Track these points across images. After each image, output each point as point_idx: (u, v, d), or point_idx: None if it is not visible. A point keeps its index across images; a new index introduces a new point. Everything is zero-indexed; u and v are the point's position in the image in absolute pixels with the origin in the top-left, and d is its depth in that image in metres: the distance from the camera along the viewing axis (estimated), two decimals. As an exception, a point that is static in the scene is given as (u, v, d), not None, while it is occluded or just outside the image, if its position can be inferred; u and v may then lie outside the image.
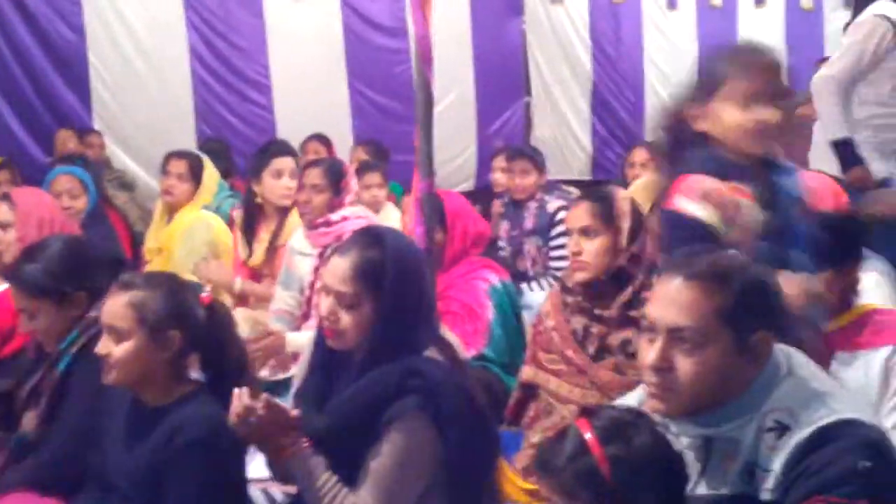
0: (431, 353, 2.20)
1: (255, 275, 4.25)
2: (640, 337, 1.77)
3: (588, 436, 1.64)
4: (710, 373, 1.68)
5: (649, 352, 1.71)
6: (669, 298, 1.70)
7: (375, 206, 4.84)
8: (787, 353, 1.77)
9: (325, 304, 2.22)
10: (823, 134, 4.45)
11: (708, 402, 1.70)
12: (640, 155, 5.72)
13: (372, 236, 2.25)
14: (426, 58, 3.02)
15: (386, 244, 2.20)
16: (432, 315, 2.30)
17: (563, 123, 8.95)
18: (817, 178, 3.47)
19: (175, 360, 2.26)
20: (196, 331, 2.26)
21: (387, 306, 2.15)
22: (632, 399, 1.96)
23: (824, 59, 8.78)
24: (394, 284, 2.15)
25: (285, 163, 4.30)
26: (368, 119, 7.77)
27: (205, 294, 2.34)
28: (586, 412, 1.82)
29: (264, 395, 2.12)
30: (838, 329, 2.71)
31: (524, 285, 4.75)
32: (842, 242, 2.69)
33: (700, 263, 1.73)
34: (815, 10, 9.48)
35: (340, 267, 2.20)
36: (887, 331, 2.69)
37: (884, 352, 2.66)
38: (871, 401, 2.65)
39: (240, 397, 2.08)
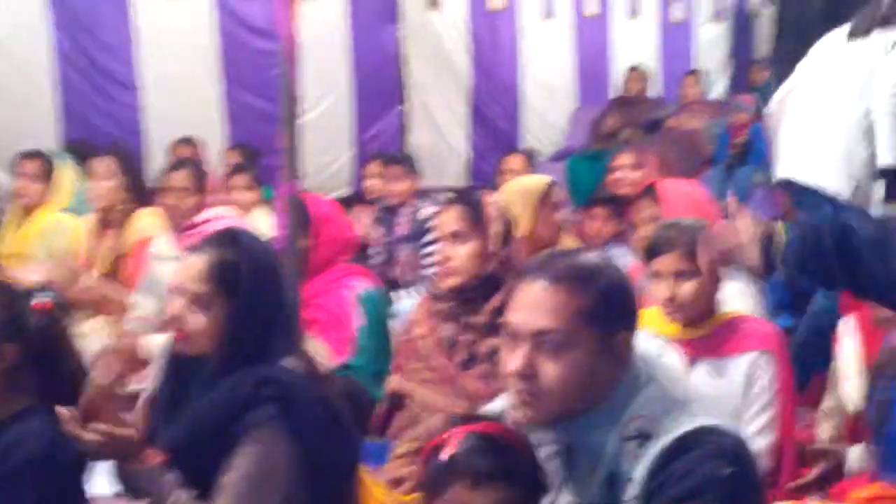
0: (289, 362, 2.11)
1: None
2: (503, 341, 1.71)
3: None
4: (577, 375, 1.64)
5: (513, 359, 1.65)
6: (532, 302, 1.65)
7: (244, 209, 4.72)
8: (645, 359, 1.74)
9: (175, 304, 2.12)
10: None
11: (575, 406, 1.65)
12: (514, 162, 5.73)
13: (227, 236, 2.16)
14: (291, 58, 2.91)
15: (241, 244, 2.11)
16: (291, 323, 2.21)
17: (439, 130, 8.94)
18: (680, 188, 3.51)
19: (10, 373, 2.12)
20: (31, 342, 2.12)
21: (240, 309, 2.06)
22: (495, 408, 1.90)
23: (693, 71, 9.04)
24: (248, 286, 2.06)
25: (97, 164, 4.20)
26: (243, 122, 7.60)
27: (44, 301, 2.19)
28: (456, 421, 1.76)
29: (102, 427, 2.02)
30: (703, 336, 2.73)
31: (397, 292, 4.69)
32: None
33: (560, 265, 1.69)
34: (685, 23, 9.72)
35: (193, 265, 2.11)
36: (750, 338, 2.71)
37: (747, 358, 2.68)
38: (735, 406, 2.68)
39: (68, 423, 1.97)
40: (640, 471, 1.60)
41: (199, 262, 2.10)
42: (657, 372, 1.73)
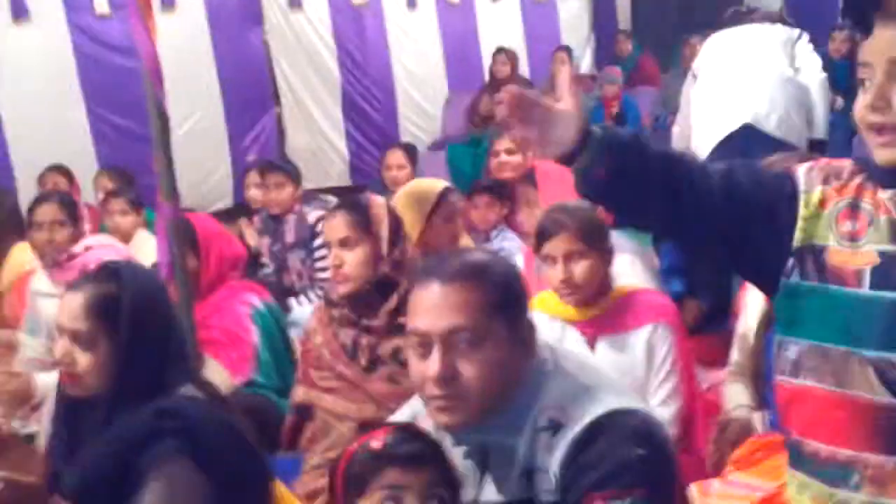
0: (188, 390, 2.06)
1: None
2: (409, 354, 1.69)
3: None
4: (494, 369, 1.63)
5: (429, 364, 1.63)
6: (436, 304, 1.64)
7: (125, 234, 4.59)
8: (551, 348, 1.75)
9: (59, 345, 2.05)
10: None
11: (493, 402, 1.64)
12: (395, 157, 5.71)
13: (106, 270, 2.10)
14: (156, 76, 2.84)
15: (122, 277, 2.05)
16: (183, 350, 2.16)
17: (316, 131, 8.88)
18: (557, 170, 3.54)
19: None
20: None
21: (127, 343, 2.00)
22: (404, 415, 1.89)
23: (562, 48, 9.16)
24: (132, 319, 2.00)
25: None
26: (112, 143, 7.42)
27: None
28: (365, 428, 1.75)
29: (2, 474, 1.93)
30: (600, 314, 2.76)
31: (292, 300, 4.63)
32: (600, 231, 2.74)
33: (453, 265, 1.68)
34: (548, 2, 9.82)
35: (73, 303, 2.04)
36: (646, 310, 2.76)
37: (645, 331, 2.73)
38: (639, 379, 2.72)
39: None
40: (554, 462, 1.61)
41: (78, 300, 2.04)
42: (562, 359, 1.74)
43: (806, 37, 4.84)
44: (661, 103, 8.26)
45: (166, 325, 2.09)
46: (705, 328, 3.89)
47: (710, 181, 1.55)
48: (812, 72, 4.76)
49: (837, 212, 1.53)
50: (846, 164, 1.58)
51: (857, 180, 1.53)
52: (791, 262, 1.54)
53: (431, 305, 1.64)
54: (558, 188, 3.24)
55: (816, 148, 4.58)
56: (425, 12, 9.20)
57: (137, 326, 2.01)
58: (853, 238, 1.50)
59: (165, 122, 2.84)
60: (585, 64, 10.02)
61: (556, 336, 2.79)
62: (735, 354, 2.88)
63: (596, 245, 2.70)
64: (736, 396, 2.81)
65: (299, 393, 2.92)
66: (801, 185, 1.56)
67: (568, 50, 9.12)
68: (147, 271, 2.22)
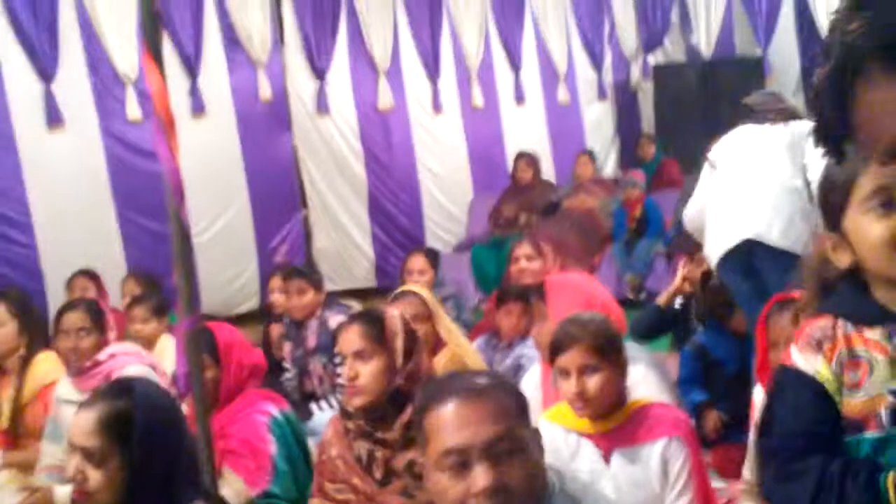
0: (199, 506, 2.08)
1: (8, 439, 3.96)
2: (439, 476, 1.69)
3: None
4: (534, 474, 1.68)
5: (476, 479, 1.63)
6: (469, 419, 1.67)
7: (148, 341, 4.64)
8: (556, 469, 1.77)
9: (71, 462, 2.07)
10: None
11: None
12: (416, 262, 5.75)
13: (119, 387, 2.14)
14: (178, 191, 2.90)
15: (134, 394, 2.08)
16: (194, 465, 2.18)
17: (342, 233, 8.98)
18: (566, 282, 3.56)
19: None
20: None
21: (138, 460, 2.02)
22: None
23: (585, 151, 9.27)
24: (143, 437, 2.03)
25: None
26: (141, 246, 7.54)
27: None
28: None
29: None
30: (615, 427, 2.75)
31: (314, 405, 4.65)
32: (614, 344, 2.75)
33: (468, 382, 1.73)
34: (571, 105, 9.97)
35: (85, 420, 2.07)
36: (661, 424, 2.74)
37: (660, 444, 2.71)
38: (654, 492, 2.70)
39: None
40: None
41: (90, 417, 2.07)
42: (568, 482, 1.74)
43: None
44: (682, 205, 8.27)
45: (178, 442, 2.11)
46: (726, 438, 3.87)
47: None
48: (819, 167, 4.76)
49: (839, 366, 1.56)
50: (823, 322, 1.61)
51: (841, 331, 1.56)
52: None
53: (465, 420, 1.66)
54: (569, 301, 3.25)
55: None
56: (450, 116, 9.37)
57: (149, 444, 2.03)
58: (859, 385, 1.53)
59: (186, 238, 2.89)
60: (609, 167, 10.12)
61: (572, 449, 2.79)
62: (746, 472, 2.86)
63: (610, 358, 2.70)
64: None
65: (314, 504, 2.92)
66: (812, 374, 1.60)
67: (591, 153, 9.22)
68: (159, 388, 2.25)
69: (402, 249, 9.15)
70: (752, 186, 4.56)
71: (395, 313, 2.96)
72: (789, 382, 1.64)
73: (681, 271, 4.71)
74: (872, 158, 1.45)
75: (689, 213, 5.06)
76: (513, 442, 1.64)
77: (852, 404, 1.53)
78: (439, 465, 1.68)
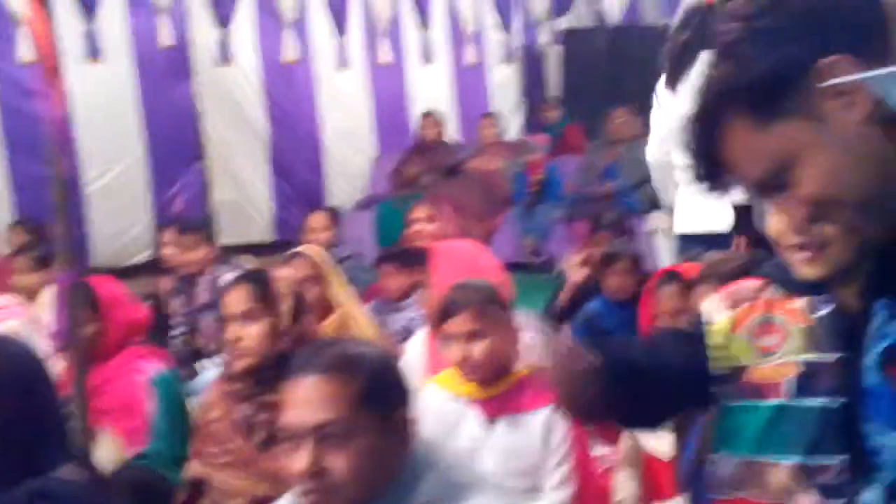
0: (66, 471, 2.00)
1: None
2: (282, 449, 1.67)
3: None
4: (366, 462, 1.63)
5: (298, 458, 1.62)
6: (306, 397, 1.64)
7: (29, 293, 4.49)
8: (429, 443, 1.75)
9: None
10: None
11: (367, 495, 1.64)
12: (317, 220, 5.69)
13: None
14: (60, 140, 2.81)
15: None
16: (62, 429, 2.10)
17: (242, 185, 8.85)
18: (453, 250, 3.53)
19: None
20: None
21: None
22: (284, 504, 1.86)
23: (489, 114, 9.27)
24: (4, 399, 1.94)
25: None
26: (31, 193, 7.28)
27: None
28: None
29: None
30: (501, 393, 2.76)
31: (200, 364, 4.57)
32: (501, 310, 2.75)
33: (328, 356, 1.69)
34: (477, 66, 9.94)
35: None
36: (545, 393, 2.76)
37: (543, 413, 2.73)
38: (535, 461, 2.72)
39: None
40: None
41: None
42: (438, 455, 1.73)
43: None
44: (584, 172, 8.37)
45: (42, 404, 2.03)
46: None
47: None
48: None
49: (753, 329, 1.56)
50: (753, 283, 1.61)
51: (766, 295, 1.56)
52: (714, 389, 1.57)
53: (302, 398, 1.65)
54: (455, 268, 3.24)
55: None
56: (357, 72, 9.26)
57: (8, 406, 1.95)
58: (772, 351, 1.53)
59: (67, 190, 2.80)
60: (514, 130, 10.13)
61: (457, 414, 2.79)
62: (624, 442, 2.91)
63: (497, 324, 2.70)
64: (624, 486, 2.82)
65: (193, 468, 2.87)
66: (703, 322, 1.60)
67: (495, 115, 9.22)
68: (22, 345, 2.15)
69: (303, 205, 9.04)
70: None
71: (282, 274, 2.91)
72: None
73: (574, 273, 4.67)
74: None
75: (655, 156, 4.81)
76: (344, 428, 1.62)
77: (761, 370, 1.53)
78: (281, 438, 1.68)
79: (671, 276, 2.88)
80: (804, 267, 1.44)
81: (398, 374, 1.75)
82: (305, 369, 1.67)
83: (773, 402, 1.51)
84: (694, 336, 1.60)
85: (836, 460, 1.44)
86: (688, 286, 2.80)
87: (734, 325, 1.58)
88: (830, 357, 1.47)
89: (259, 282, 2.82)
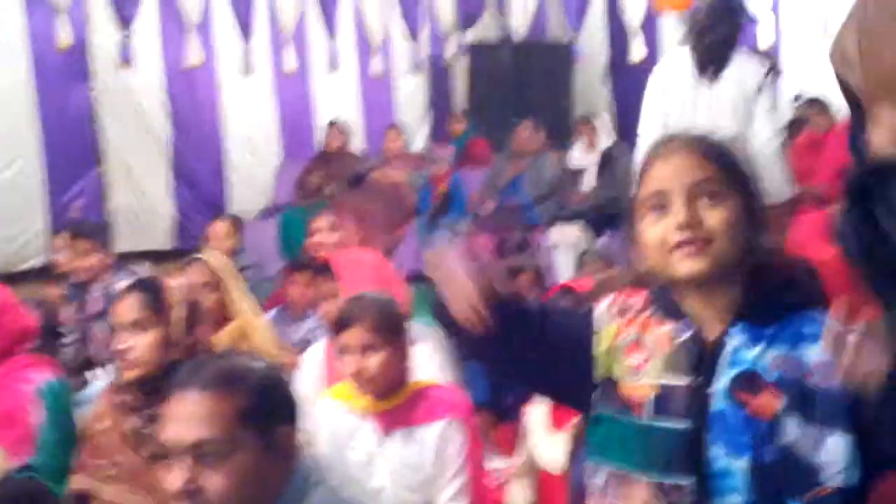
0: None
1: None
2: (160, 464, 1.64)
3: None
4: (243, 482, 1.60)
5: (173, 477, 1.58)
6: (185, 414, 1.61)
7: None
8: (315, 460, 1.73)
9: None
10: None
11: None
12: (219, 227, 5.60)
13: None
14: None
15: None
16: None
17: (142, 192, 8.66)
18: (356, 260, 3.52)
19: None
20: None
21: None
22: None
23: (394, 125, 9.26)
24: None
25: None
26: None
27: None
28: None
29: None
30: (395, 407, 2.75)
31: (91, 373, 4.45)
32: (396, 324, 2.74)
33: (209, 371, 1.65)
34: (384, 76, 9.92)
35: None
36: (440, 406, 2.76)
37: (437, 426, 2.73)
38: (429, 474, 2.71)
39: None
40: None
41: None
42: (328, 473, 1.71)
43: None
44: (489, 184, 8.42)
45: None
46: (512, 417, 3.93)
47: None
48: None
49: (625, 345, 1.60)
50: (641, 297, 1.64)
51: (646, 314, 1.60)
52: (596, 393, 1.59)
53: (181, 415, 1.61)
54: (356, 279, 3.23)
55: None
56: (261, 78, 9.15)
57: None
58: (637, 370, 1.57)
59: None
60: (420, 141, 10.12)
61: (351, 427, 2.78)
62: (518, 455, 2.92)
63: (392, 338, 2.70)
64: (516, 495, 2.83)
65: (77, 480, 2.79)
66: (595, 325, 1.64)
67: (401, 126, 9.21)
68: None
69: (205, 212, 8.89)
70: None
71: (175, 283, 2.85)
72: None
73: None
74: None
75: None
76: (222, 447, 1.59)
77: (628, 386, 1.58)
78: (162, 448, 1.65)
79: (565, 291, 2.90)
80: (687, 261, 1.49)
81: (284, 391, 1.72)
82: (186, 384, 1.63)
83: (636, 419, 1.55)
84: (587, 328, 1.63)
85: (687, 481, 1.48)
86: (580, 302, 2.84)
87: (616, 335, 1.61)
88: (684, 381, 1.52)
89: (150, 290, 2.76)
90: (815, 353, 1.47)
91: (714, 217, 1.50)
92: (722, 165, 1.55)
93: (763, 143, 4.39)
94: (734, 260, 1.51)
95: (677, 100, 4.53)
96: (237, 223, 5.87)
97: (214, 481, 1.58)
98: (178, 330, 2.73)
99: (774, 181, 4.38)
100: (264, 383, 1.67)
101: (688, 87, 4.50)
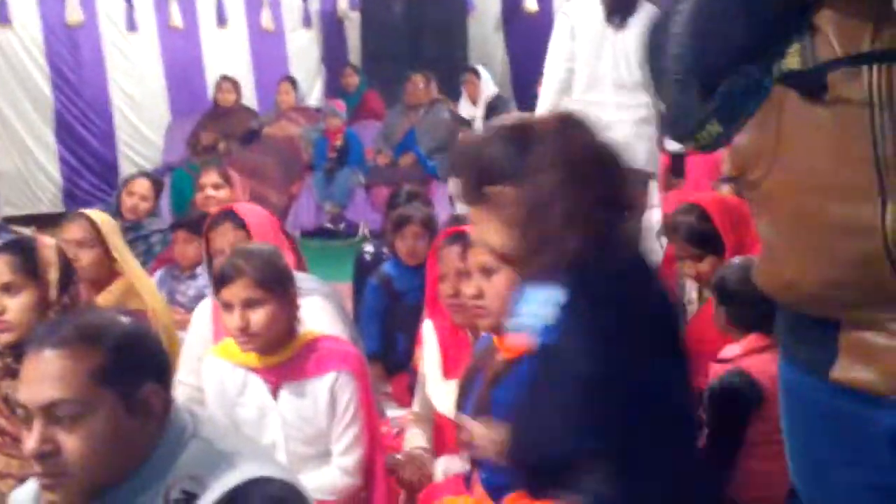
0: None
1: None
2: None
3: None
4: (102, 443, 1.53)
5: (28, 439, 1.51)
6: (38, 374, 1.53)
7: None
8: (194, 414, 1.67)
9: None
10: None
11: (108, 477, 1.54)
12: (140, 185, 5.33)
13: None
14: None
15: None
16: None
17: (26, 154, 8.41)
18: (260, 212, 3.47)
19: None
20: None
21: None
22: (27, 493, 1.74)
23: (287, 78, 9.10)
24: None
25: None
26: None
27: None
28: None
29: None
30: (284, 361, 2.70)
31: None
32: (280, 277, 2.68)
33: (65, 329, 1.57)
34: (275, 31, 9.74)
35: None
36: (330, 358, 2.72)
37: (328, 378, 2.69)
38: (321, 427, 2.68)
39: None
40: None
41: None
42: (204, 426, 1.65)
43: None
44: (383, 138, 8.35)
45: None
46: (405, 368, 3.92)
47: None
48: None
49: None
50: None
51: None
52: None
53: (35, 375, 1.53)
54: (264, 230, 3.17)
55: None
56: (146, 35, 8.91)
57: None
58: None
59: None
60: (314, 96, 9.98)
61: (239, 384, 2.72)
62: (415, 403, 2.92)
63: (276, 291, 2.63)
64: (413, 440, 2.83)
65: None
66: None
67: (293, 80, 9.06)
68: None
69: (92, 173, 8.71)
70: None
71: (48, 242, 2.74)
72: None
73: None
74: None
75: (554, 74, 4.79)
76: (78, 407, 1.52)
77: None
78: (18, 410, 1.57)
79: (456, 236, 2.87)
80: None
81: (150, 347, 1.63)
82: (40, 343, 1.55)
83: None
84: None
85: None
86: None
87: None
88: None
89: (22, 251, 2.64)
90: None
91: None
92: None
93: None
94: None
95: (584, 43, 4.60)
96: (157, 185, 5.57)
97: (70, 443, 1.51)
98: (53, 291, 2.63)
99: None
100: (125, 340, 1.58)
101: (595, 33, 4.57)
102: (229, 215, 3.39)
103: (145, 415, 1.57)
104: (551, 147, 1.65)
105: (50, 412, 1.51)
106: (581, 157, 1.65)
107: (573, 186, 1.61)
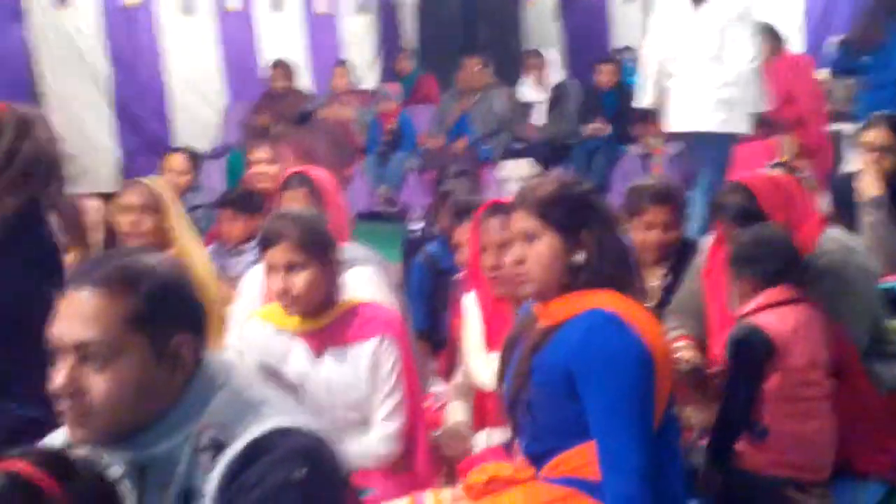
0: None
1: None
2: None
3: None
4: (128, 387, 1.50)
5: (57, 375, 1.50)
6: (73, 312, 1.50)
7: None
8: (226, 364, 1.64)
9: None
10: None
11: (133, 421, 1.52)
12: (175, 161, 5.42)
13: None
14: None
15: None
16: None
17: (85, 134, 8.48)
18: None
19: None
20: None
21: None
22: (59, 437, 1.73)
23: (341, 62, 9.11)
24: None
25: None
26: None
27: None
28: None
29: None
30: (325, 326, 2.68)
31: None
32: (322, 241, 2.66)
33: (106, 268, 1.54)
34: (330, 15, 9.75)
35: None
36: (372, 323, 2.69)
37: (371, 344, 2.66)
38: (364, 392, 2.65)
39: None
40: (211, 484, 1.50)
41: None
42: (234, 375, 1.62)
43: None
44: (438, 122, 8.32)
45: None
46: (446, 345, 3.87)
47: None
48: None
49: None
50: None
51: None
52: None
53: (69, 313, 1.51)
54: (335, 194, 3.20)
55: None
56: (202, 18, 8.96)
57: None
58: None
59: None
60: (369, 80, 9.98)
61: (283, 348, 2.70)
62: (458, 375, 2.88)
63: (318, 256, 2.61)
64: (454, 413, 2.79)
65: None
66: None
67: (348, 64, 9.06)
68: None
69: (150, 153, 8.75)
70: None
71: (93, 205, 2.75)
72: None
73: None
74: None
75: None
76: (107, 350, 1.50)
77: None
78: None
79: (495, 208, 2.83)
80: None
81: (187, 297, 1.60)
82: (81, 281, 1.53)
83: None
84: None
85: None
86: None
87: None
88: None
89: (67, 214, 2.66)
90: None
91: None
92: None
93: (745, 64, 5.23)
94: None
95: (674, 21, 5.39)
96: (194, 158, 5.64)
97: (97, 384, 1.49)
98: (96, 252, 2.63)
99: (754, 97, 5.31)
100: (163, 288, 1.55)
101: (681, 9, 5.33)
102: (302, 178, 3.41)
103: (174, 364, 1.54)
104: None
105: (79, 352, 1.49)
106: None
107: None
